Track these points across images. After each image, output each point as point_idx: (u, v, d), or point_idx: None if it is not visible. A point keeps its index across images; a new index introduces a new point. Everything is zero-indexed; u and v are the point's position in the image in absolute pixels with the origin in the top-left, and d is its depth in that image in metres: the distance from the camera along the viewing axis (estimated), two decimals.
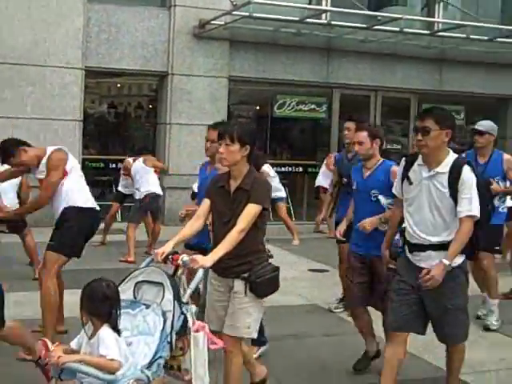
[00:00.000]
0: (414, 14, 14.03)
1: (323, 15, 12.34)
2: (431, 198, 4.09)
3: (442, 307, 4.18)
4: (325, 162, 11.89)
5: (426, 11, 14.47)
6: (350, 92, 13.68)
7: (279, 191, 10.91)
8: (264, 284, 3.97)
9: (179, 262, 3.78)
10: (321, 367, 5.17)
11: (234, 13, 11.63)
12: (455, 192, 4.01)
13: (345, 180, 6.36)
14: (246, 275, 3.96)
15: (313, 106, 13.50)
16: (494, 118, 15.06)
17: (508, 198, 7.16)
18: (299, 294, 7.54)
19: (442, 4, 13.86)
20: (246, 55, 12.75)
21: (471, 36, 12.39)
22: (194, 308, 3.72)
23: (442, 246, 4.08)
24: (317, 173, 12.30)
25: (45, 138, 11.05)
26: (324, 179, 11.71)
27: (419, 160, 4.17)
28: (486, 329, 6.28)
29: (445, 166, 4.06)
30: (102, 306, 3.46)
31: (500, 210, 6.47)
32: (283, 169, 13.11)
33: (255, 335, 4.13)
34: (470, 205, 4.00)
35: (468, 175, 4.02)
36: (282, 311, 6.77)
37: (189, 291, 3.72)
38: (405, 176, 4.22)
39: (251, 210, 3.88)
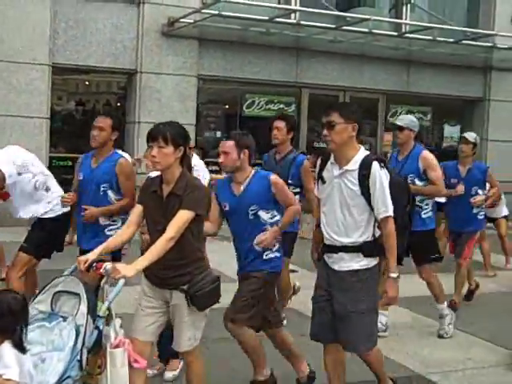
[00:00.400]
0: (382, 15, 14.11)
1: (292, 15, 12.36)
2: (342, 197, 3.93)
3: (346, 311, 3.97)
4: None
5: (393, 13, 14.59)
6: (318, 92, 13.73)
7: None
8: (204, 297, 3.77)
9: (102, 270, 3.51)
10: (287, 367, 5.17)
11: (203, 11, 11.60)
12: (366, 190, 3.86)
13: None
14: (185, 287, 3.75)
15: (282, 106, 13.52)
16: (461, 119, 15.42)
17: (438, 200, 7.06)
18: None
19: (409, 6, 13.99)
20: (215, 54, 12.73)
21: (438, 38, 12.53)
22: (118, 321, 3.47)
23: (354, 248, 3.94)
24: None
25: (11, 136, 10.90)
26: None
27: (332, 158, 4.02)
28: (440, 336, 6.07)
29: (354, 163, 3.90)
30: (5, 321, 3.20)
31: (423, 215, 6.00)
32: None
33: (197, 343, 3.91)
34: (385, 205, 3.87)
35: (377, 172, 3.85)
36: None
37: (106, 304, 3.42)
38: (319, 176, 4.10)
39: (182, 217, 3.63)
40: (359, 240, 3.93)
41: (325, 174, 4.05)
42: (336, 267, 4.01)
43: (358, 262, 3.95)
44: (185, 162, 3.82)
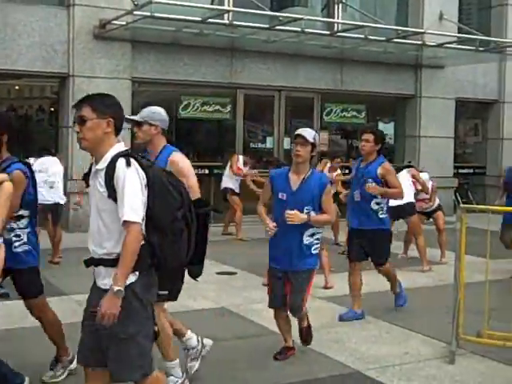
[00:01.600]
0: (314, 14, 14.27)
1: (225, 15, 12.33)
2: (95, 200, 3.52)
3: (107, 335, 3.42)
4: (229, 164, 11.96)
5: (326, 12, 14.76)
6: (253, 92, 13.77)
7: None
8: None
9: None
10: (232, 370, 5.18)
11: (135, 13, 11.45)
12: (113, 192, 3.39)
13: None
14: None
15: (217, 107, 13.50)
16: (394, 116, 15.72)
17: None
18: (208, 297, 7.53)
19: (341, 5, 14.18)
20: (149, 56, 12.62)
21: (369, 37, 12.72)
22: None
23: (109, 261, 3.43)
24: (222, 174, 12.29)
25: None
26: (230, 181, 11.80)
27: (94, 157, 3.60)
28: None
29: (104, 162, 3.45)
30: None
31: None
32: None
33: None
34: (125, 208, 3.34)
35: (122, 171, 3.37)
36: (191, 316, 6.73)
37: None
38: (84, 178, 3.66)
39: None
40: (114, 251, 3.42)
41: (91, 176, 3.61)
42: (99, 283, 3.51)
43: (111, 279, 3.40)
44: None
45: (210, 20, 11.74)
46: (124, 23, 11.66)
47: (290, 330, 5.52)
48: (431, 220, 10.26)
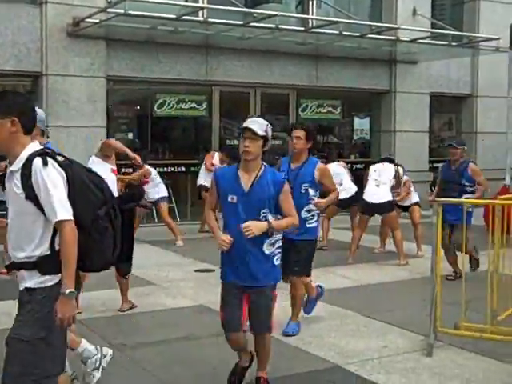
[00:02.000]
0: (288, 11, 14.30)
1: (200, 12, 12.31)
2: (12, 203, 3.39)
3: (8, 336, 3.36)
4: (205, 162, 11.92)
5: (300, 8, 14.79)
6: (229, 89, 13.75)
7: (161, 191, 10.86)
8: None
9: None
10: (212, 368, 5.18)
11: (108, 10, 11.36)
12: (32, 193, 3.26)
13: None
14: None
15: (193, 105, 13.47)
16: (370, 111, 15.81)
17: None
18: (186, 295, 7.52)
19: (315, 1, 14.22)
20: (124, 54, 12.53)
21: (344, 32, 12.76)
22: None
23: (30, 264, 3.32)
24: (199, 172, 12.26)
25: None
26: (205, 178, 11.75)
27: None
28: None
29: (19, 162, 3.32)
30: None
31: None
32: (165, 169, 13.01)
33: None
34: (53, 208, 3.24)
35: (39, 170, 3.25)
36: (170, 314, 6.74)
37: None
38: (1, 181, 3.59)
39: None
40: (34, 254, 3.32)
41: (6, 178, 3.45)
42: (21, 288, 3.40)
43: (33, 280, 3.33)
44: None
45: (184, 17, 11.69)
46: (98, 21, 11.56)
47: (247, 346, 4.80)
48: (406, 214, 10.34)
